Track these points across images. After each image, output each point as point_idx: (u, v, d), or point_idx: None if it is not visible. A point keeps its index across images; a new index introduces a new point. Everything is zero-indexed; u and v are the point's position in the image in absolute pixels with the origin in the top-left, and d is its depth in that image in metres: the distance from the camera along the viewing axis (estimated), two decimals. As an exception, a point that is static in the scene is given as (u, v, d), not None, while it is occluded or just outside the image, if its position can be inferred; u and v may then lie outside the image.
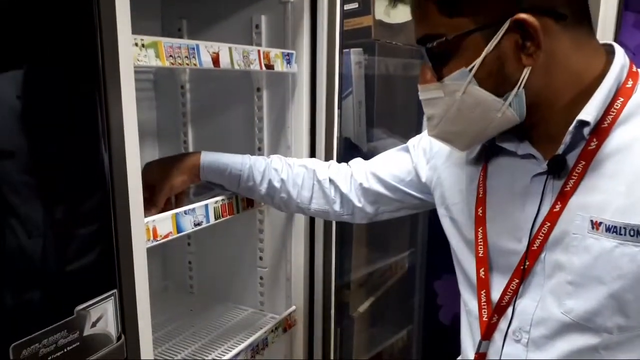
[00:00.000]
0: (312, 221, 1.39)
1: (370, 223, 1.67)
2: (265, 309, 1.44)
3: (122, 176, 0.81)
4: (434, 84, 0.75)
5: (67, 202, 0.70)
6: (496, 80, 0.71)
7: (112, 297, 0.73)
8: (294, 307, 1.41)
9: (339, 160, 1.36)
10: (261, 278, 1.44)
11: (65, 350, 0.66)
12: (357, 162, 1.15)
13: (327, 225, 1.38)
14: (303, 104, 1.30)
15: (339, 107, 1.35)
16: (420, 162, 1.00)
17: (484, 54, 0.69)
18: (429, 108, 0.78)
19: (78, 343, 0.68)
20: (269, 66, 1.16)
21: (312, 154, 1.35)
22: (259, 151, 1.35)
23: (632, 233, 0.67)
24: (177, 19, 1.35)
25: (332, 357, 1.44)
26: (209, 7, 1.32)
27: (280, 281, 1.44)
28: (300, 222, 1.38)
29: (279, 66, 1.19)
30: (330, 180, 1.10)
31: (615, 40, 1.12)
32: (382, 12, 1.60)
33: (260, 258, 1.43)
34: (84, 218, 0.73)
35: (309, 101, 1.31)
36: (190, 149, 1.45)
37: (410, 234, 1.78)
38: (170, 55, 0.91)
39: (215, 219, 1.08)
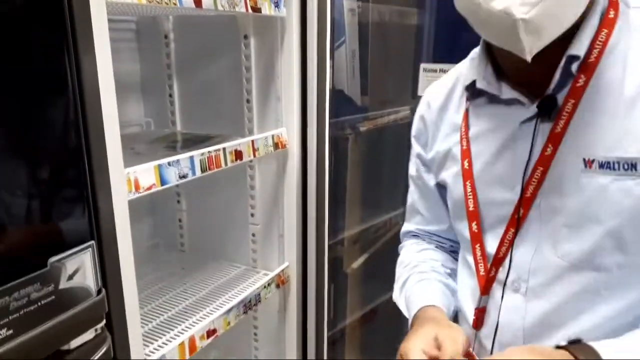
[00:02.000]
0: (304, 177, 1.35)
1: (364, 180, 1.63)
2: (258, 265, 1.42)
3: (98, 124, 0.76)
4: None
5: (37, 150, 0.65)
6: None
7: (90, 249, 0.69)
8: (287, 264, 1.39)
9: (331, 112, 1.31)
10: (253, 235, 1.41)
11: (39, 304, 0.62)
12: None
13: (320, 181, 1.34)
14: (293, 53, 1.24)
15: (332, 57, 1.28)
16: (426, 162, 0.90)
17: None
18: None
19: (53, 297, 0.64)
20: (256, 9, 1.09)
21: (304, 106, 1.30)
22: (248, 103, 1.29)
23: (626, 167, 0.64)
24: (158, -38, 1.27)
25: (325, 313, 1.43)
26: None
27: (273, 238, 1.40)
28: (292, 178, 1.33)
29: (267, 9, 1.12)
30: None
31: None
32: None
33: (252, 215, 1.39)
34: (55, 168, 0.68)
35: (299, 50, 1.25)
36: (176, 102, 1.39)
37: (404, 190, 1.74)
38: (147, -7, 0.84)
39: (202, 171, 1.03)
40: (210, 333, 1.12)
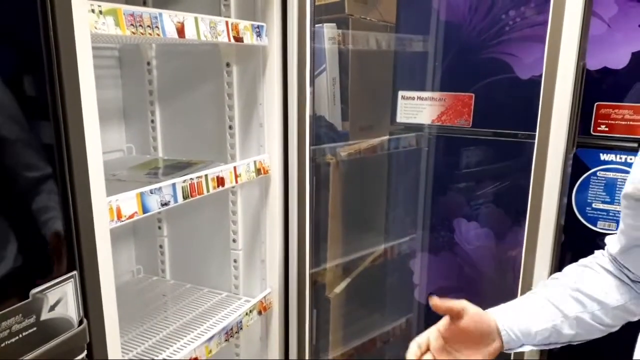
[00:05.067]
0: (285, 202, 1.36)
1: (346, 205, 1.63)
2: (240, 292, 1.41)
3: (81, 153, 0.76)
4: None
5: (19, 179, 0.65)
6: None
7: (72, 280, 0.69)
8: (269, 290, 1.38)
9: (312, 138, 1.33)
10: (235, 261, 1.40)
11: (20, 335, 0.61)
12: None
13: (301, 206, 1.35)
14: (274, 80, 1.26)
15: (312, 84, 1.31)
16: None
17: None
18: None
19: (35, 328, 0.63)
20: (238, 38, 1.11)
21: (285, 132, 1.31)
22: (230, 129, 1.30)
23: None
24: (141, -8, 1.29)
25: (307, 339, 1.43)
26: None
27: (255, 263, 1.40)
28: (274, 203, 1.34)
29: (249, 38, 1.14)
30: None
31: (589, 11, 1.10)
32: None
33: (234, 240, 1.39)
34: (38, 198, 0.68)
35: (281, 77, 1.27)
36: (158, 128, 1.39)
37: (385, 219, 1.76)
38: (132, 24, 0.86)
39: (184, 198, 1.04)
40: (192, 361, 1.11)
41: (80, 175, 0.76)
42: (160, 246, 1.48)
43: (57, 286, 0.67)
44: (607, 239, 0.87)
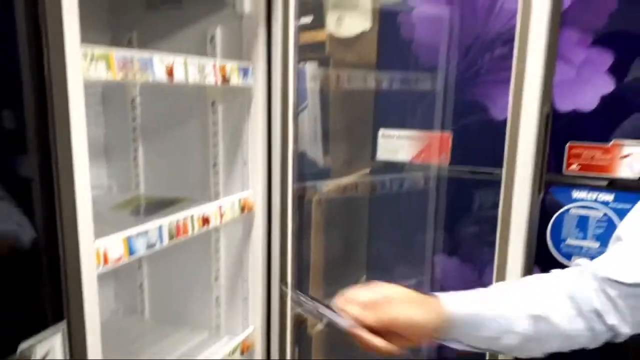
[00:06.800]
0: (269, 239, 1.36)
1: (328, 241, 1.63)
2: (222, 331, 1.39)
3: (70, 198, 0.76)
4: None
5: (8, 226, 0.64)
6: None
7: (61, 330, 0.67)
8: (251, 328, 1.37)
9: (295, 176, 1.34)
10: (217, 299, 1.39)
11: (6, 392, 0.60)
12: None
13: (283, 242, 1.35)
14: (259, 118, 1.27)
15: (295, 122, 1.33)
16: None
17: None
18: None
19: (21, 384, 0.61)
20: (225, 80, 1.12)
21: (269, 169, 1.32)
22: (214, 167, 1.30)
23: None
24: (127, 30, 1.30)
25: (291, 378, 1.41)
26: (161, 18, 1.27)
27: (237, 301, 1.39)
28: (257, 240, 1.34)
29: (235, 79, 1.16)
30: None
31: (553, 55, 1.15)
32: (333, 25, 1.60)
33: (216, 278, 1.38)
34: (27, 244, 0.67)
35: (265, 115, 1.29)
36: (141, 166, 1.38)
37: (367, 252, 1.77)
38: (122, 68, 0.86)
39: (170, 239, 1.03)
40: (175, 406, 1.08)
41: (69, 221, 0.75)
42: (140, 285, 1.45)
43: (45, 339, 0.65)
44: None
